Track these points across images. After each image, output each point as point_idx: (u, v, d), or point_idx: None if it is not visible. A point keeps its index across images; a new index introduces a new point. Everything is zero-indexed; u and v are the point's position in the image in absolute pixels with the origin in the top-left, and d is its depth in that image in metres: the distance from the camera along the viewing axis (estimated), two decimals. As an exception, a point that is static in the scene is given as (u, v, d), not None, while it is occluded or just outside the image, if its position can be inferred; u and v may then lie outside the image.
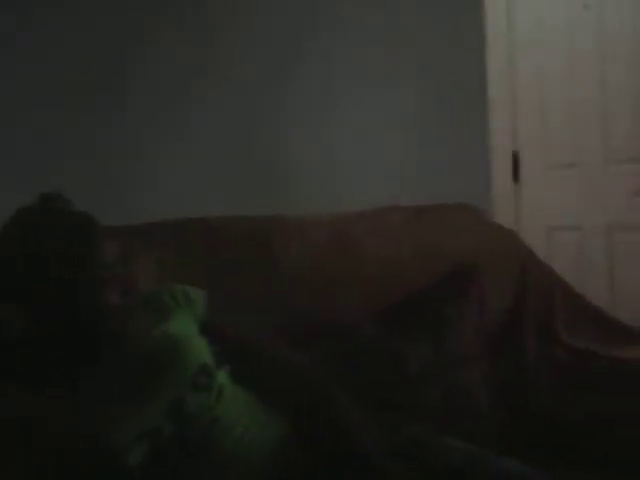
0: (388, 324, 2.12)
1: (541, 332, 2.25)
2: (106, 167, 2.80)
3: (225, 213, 2.28)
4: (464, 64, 3.22)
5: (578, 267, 3.18)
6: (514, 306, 2.29)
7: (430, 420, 1.94)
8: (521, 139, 3.42)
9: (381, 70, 3.12)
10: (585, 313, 2.34)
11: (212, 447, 1.65)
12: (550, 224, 3.36)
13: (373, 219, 2.36)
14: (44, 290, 1.64)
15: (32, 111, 2.74)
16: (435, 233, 2.35)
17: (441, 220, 2.42)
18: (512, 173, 3.41)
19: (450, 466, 1.69)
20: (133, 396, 1.65)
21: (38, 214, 1.71)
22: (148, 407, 1.64)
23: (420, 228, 2.36)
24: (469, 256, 2.26)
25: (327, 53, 3.07)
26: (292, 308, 2.10)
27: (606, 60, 3.23)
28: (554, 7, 3.36)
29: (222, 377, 1.74)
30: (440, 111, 3.17)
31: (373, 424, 1.78)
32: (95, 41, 2.82)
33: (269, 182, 2.96)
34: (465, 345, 2.13)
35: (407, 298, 2.18)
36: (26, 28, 2.74)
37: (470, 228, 2.41)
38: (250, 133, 2.98)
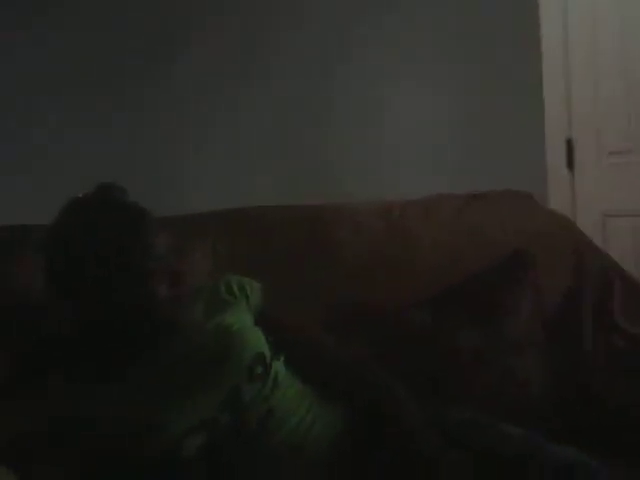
0: (442, 310, 2.12)
1: (598, 319, 2.22)
2: (155, 158, 2.83)
3: (276, 203, 2.29)
4: (519, 51, 3.18)
5: (635, 253, 3.13)
6: (570, 293, 2.26)
7: (484, 407, 1.94)
8: (575, 125, 3.37)
9: (431, 53, 3.10)
10: (643, 300, 2.31)
11: (268, 437, 1.66)
12: (606, 211, 3.31)
13: (426, 206, 2.36)
14: (94, 283, 1.67)
15: (80, 96, 2.77)
16: (489, 220, 2.34)
17: (495, 207, 2.40)
18: (566, 160, 3.37)
19: (506, 454, 1.68)
20: (189, 387, 1.66)
21: (91, 205, 1.72)
22: (204, 397, 1.66)
23: (473, 215, 2.35)
24: (524, 243, 2.25)
25: (383, 38, 3.05)
26: (347, 295, 2.10)
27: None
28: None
29: (278, 367, 1.75)
30: (494, 97, 3.14)
31: (428, 412, 1.79)
32: (138, 27, 2.85)
33: (319, 172, 2.97)
34: (520, 332, 2.12)
35: (461, 284, 2.17)
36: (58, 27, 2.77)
37: (524, 215, 2.39)
38: (301, 123, 2.99)
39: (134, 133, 2.84)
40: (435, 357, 2.05)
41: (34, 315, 1.82)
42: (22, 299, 1.85)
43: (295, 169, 2.93)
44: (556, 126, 3.33)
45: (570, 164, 3.37)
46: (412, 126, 3.07)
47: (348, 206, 2.34)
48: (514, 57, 3.14)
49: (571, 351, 2.16)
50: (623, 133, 3.28)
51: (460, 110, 3.11)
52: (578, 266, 2.31)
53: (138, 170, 2.76)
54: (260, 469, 1.65)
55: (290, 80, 2.97)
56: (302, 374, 1.78)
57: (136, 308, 1.67)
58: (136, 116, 2.84)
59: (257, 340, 1.76)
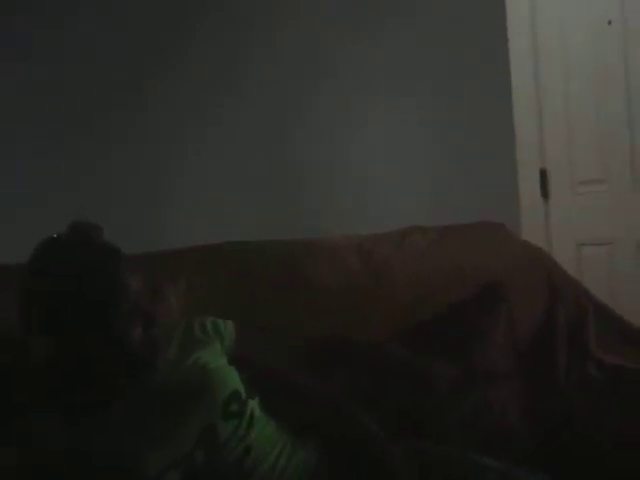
0: (416, 343, 2.13)
1: (572, 348, 2.23)
2: (127, 190, 2.84)
3: (254, 236, 2.30)
4: (490, 83, 3.22)
5: (609, 281, 3.15)
6: (544, 323, 2.27)
7: (461, 439, 1.94)
8: (549, 156, 3.41)
9: (410, 88, 3.13)
10: (616, 328, 2.33)
11: (244, 477, 1.65)
12: (580, 240, 3.34)
13: (400, 239, 2.37)
14: (71, 322, 1.67)
15: (49, 126, 2.78)
16: (462, 252, 2.35)
17: (469, 239, 2.42)
18: (540, 190, 3.40)
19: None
20: (164, 424, 1.66)
21: (68, 244, 1.72)
22: (179, 434, 1.65)
23: (446, 248, 2.36)
24: (497, 274, 2.26)
25: (356, 69, 3.09)
26: (324, 329, 2.11)
27: (631, 74, 3.22)
28: (578, 23, 3.36)
29: (253, 405, 1.75)
30: (468, 129, 3.18)
31: (406, 446, 1.79)
32: (119, 46, 2.87)
33: (298, 201, 2.98)
34: (495, 363, 2.13)
35: (435, 317, 2.19)
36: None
37: (497, 246, 2.41)
38: (278, 152, 3.01)
39: (110, 165, 2.85)
40: (411, 390, 2.05)
41: (10, 349, 1.82)
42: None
43: (275, 203, 2.95)
44: (529, 157, 3.37)
45: (544, 194, 3.40)
46: (386, 159, 3.10)
47: (324, 241, 2.35)
48: (485, 89, 3.18)
49: (546, 381, 2.17)
50: (596, 163, 3.32)
51: (433, 142, 3.15)
52: (552, 296, 2.32)
53: (114, 203, 2.76)
54: None
55: (265, 110, 2.99)
56: (277, 413, 1.78)
57: (112, 348, 1.67)
58: (110, 147, 2.85)
59: (232, 378, 1.76)
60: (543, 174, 3.40)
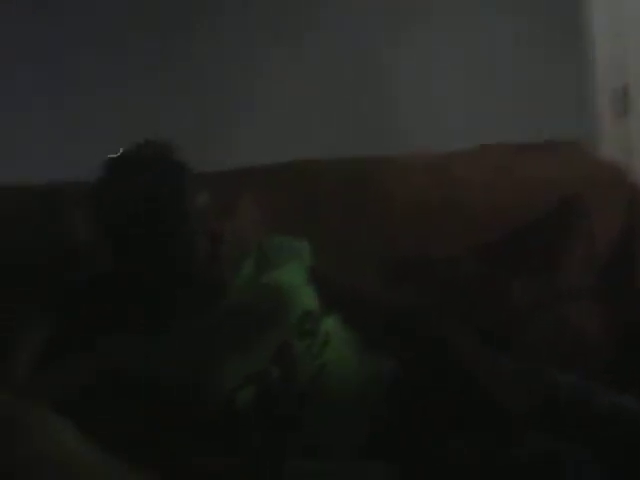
0: (494, 260, 2.11)
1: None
2: (202, 109, 2.84)
3: (322, 154, 2.28)
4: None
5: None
6: (623, 240, 2.23)
7: (540, 355, 1.93)
8: (630, 72, 3.31)
9: (487, 4, 3.07)
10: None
11: (319, 392, 1.67)
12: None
13: (476, 157, 2.33)
14: (137, 240, 1.70)
15: (122, 46, 2.78)
16: (538, 170, 2.30)
17: (544, 157, 2.36)
18: (621, 107, 3.31)
19: (559, 400, 1.68)
20: (239, 342, 1.69)
21: (136, 161, 1.75)
22: (255, 351, 1.68)
23: (522, 166, 2.31)
24: (575, 191, 2.22)
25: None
26: (396, 249, 2.11)
27: None
28: None
29: (328, 324, 1.77)
30: (546, 45, 3.09)
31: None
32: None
33: (369, 121, 2.96)
34: (573, 279, 2.10)
35: (512, 233, 2.16)
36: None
37: (575, 164, 2.35)
38: (350, 72, 2.98)
39: (184, 85, 2.86)
40: (489, 306, 2.05)
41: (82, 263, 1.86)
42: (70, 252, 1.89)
43: (346, 121, 2.94)
44: (610, 73, 3.27)
45: (625, 111, 3.32)
46: (459, 75, 3.04)
47: (395, 158, 2.32)
48: (566, 3, 3.09)
49: (624, 298, 2.14)
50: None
51: (508, 58, 3.06)
52: (631, 214, 2.27)
53: (188, 123, 2.78)
54: (312, 423, 1.66)
55: (344, 33, 2.96)
56: (356, 326, 1.80)
57: (177, 264, 1.71)
58: (185, 67, 2.85)
59: (307, 297, 1.79)
60: (625, 89, 3.31)
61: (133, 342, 1.70)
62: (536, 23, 3.08)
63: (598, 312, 2.10)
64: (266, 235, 1.96)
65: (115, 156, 1.76)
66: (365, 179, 2.22)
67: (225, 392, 1.64)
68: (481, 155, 2.35)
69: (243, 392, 1.65)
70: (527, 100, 3.04)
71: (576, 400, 1.66)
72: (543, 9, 3.07)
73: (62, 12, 2.76)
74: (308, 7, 2.94)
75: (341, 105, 2.94)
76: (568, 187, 2.24)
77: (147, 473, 1.40)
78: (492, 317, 2.02)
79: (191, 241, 1.71)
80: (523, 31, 3.07)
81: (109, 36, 2.79)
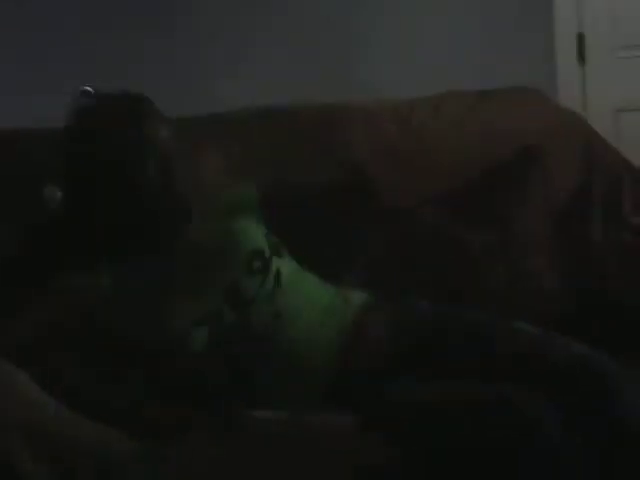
0: (451, 208, 2.12)
1: (608, 215, 2.21)
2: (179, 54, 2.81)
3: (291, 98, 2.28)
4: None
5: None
6: (580, 190, 2.25)
7: (495, 304, 1.95)
8: (587, 20, 3.31)
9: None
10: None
11: (276, 338, 1.69)
12: (618, 106, 3.27)
13: (436, 104, 2.33)
14: (93, 169, 1.72)
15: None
16: (499, 117, 2.30)
17: (504, 104, 2.37)
18: (577, 55, 3.32)
19: (515, 350, 1.70)
20: (189, 282, 1.72)
21: (100, 116, 1.77)
22: (205, 291, 1.70)
23: (483, 112, 2.32)
24: (534, 139, 2.22)
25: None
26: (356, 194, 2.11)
27: None
28: None
29: (280, 264, 1.78)
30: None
31: (437, 310, 1.81)
32: None
33: (334, 65, 2.94)
34: (530, 229, 2.12)
35: (469, 182, 2.16)
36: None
37: (534, 111, 2.35)
38: (317, 17, 2.96)
39: (165, 29, 2.83)
40: (447, 253, 2.06)
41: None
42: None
43: (314, 64, 2.92)
44: (567, 20, 3.27)
45: (581, 59, 3.32)
46: (426, 22, 3.03)
47: (359, 104, 2.32)
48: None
49: (581, 246, 2.16)
50: (635, 27, 3.23)
51: (467, 6, 3.06)
52: (588, 161, 2.28)
53: (162, 72, 2.76)
54: (270, 368, 1.68)
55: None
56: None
57: (131, 192, 1.73)
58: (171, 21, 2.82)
59: (256, 236, 1.81)
60: (580, 38, 3.31)
61: (92, 283, 1.71)
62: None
63: (554, 262, 2.12)
64: (226, 180, 1.95)
65: (85, 107, 1.77)
66: (332, 125, 2.21)
67: (177, 333, 1.66)
68: (443, 102, 2.35)
69: (196, 332, 1.66)
70: (489, 47, 3.04)
71: (534, 350, 1.68)
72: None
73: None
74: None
75: (308, 52, 2.92)
76: (527, 135, 2.25)
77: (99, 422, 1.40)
78: (447, 268, 2.03)
79: (144, 165, 1.73)
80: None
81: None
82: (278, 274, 1.75)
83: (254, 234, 1.82)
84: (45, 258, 1.76)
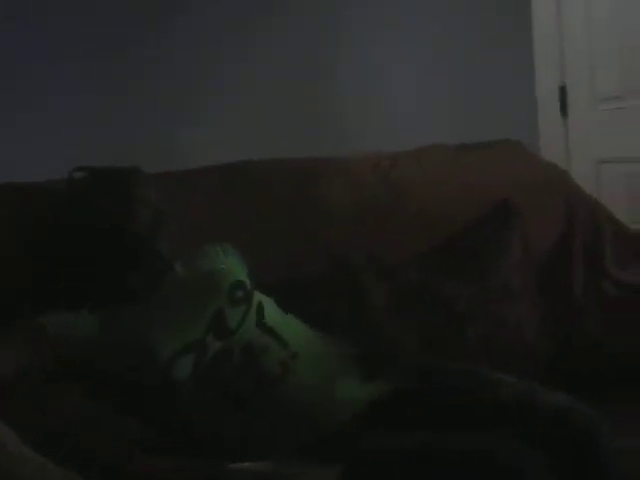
0: (432, 264, 2.14)
1: (589, 267, 2.23)
2: (153, 110, 2.83)
3: (269, 154, 2.28)
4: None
5: (628, 200, 3.13)
6: (561, 242, 2.27)
7: (476, 356, 1.96)
8: (568, 72, 3.36)
9: (429, 5, 3.09)
10: (635, 248, 2.32)
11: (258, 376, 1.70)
12: (599, 157, 3.31)
13: (417, 157, 2.35)
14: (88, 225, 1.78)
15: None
16: (480, 170, 2.33)
17: (486, 157, 2.40)
18: (559, 107, 3.36)
19: (498, 400, 1.71)
20: (175, 312, 1.75)
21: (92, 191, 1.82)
22: (188, 321, 1.73)
23: (463, 166, 2.34)
24: (514, 192, 2.25)
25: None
26: (337, 249, 2.12)
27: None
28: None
29: (261, 297, 1.82)
30: (486, 47, 3.12)
31: (421, 365, 1.82)
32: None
33: (315, 119, 2.97)
34: (510, 279, 2.13)
35: (450, 237, 2.19)
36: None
37: (515, 164, 2.39)
38: (296, 70, 2.98)
39: (132, 86, 2.84)
40: (430, 308, 2.07)
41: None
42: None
43: (294, 121, 2.94)
44: (549, 73, 3.32)
45: (563, 111, 3.36)
46: (402, 77, 3.06)
47: (339, 159, 2.33)
48: (503, 6, 3.12)
49: (562, 298, 2.18)
50: (616, 79, 3.27)
51: (449, 60, 3.10)
52: (569, 214, 2.32)
53: (137, 123, 2.77)
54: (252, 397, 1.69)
55: (294, 35, 2.97)
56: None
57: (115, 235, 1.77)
58: (133, 68, 2.84)
59: (238, 270, 1.86)
60: (562, 91, 3.35)
61: (79, 323, 1.72)
62: (476, 23, 3.11)
63: (535, 313, 2.13)
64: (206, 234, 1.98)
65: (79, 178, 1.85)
66: (310, 181, 2.23)
67: (162, 362, 1.67)
68: (425, 155, 2.37)
69: (181, 361, 1.67)
70: (471, 100, 3.08)
71: (519, 400, 1.69)
72: (484, 9, 3.10)
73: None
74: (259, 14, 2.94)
75: (289, 107, 2.95)
76: (507, 188, 2.28)
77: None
78: (432, 321, 2.04)
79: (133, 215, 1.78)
80: (462, 32, 3.11)
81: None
82: (260, 307, 1.79)
83: (236, 269, 1.87)
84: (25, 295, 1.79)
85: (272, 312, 1.82)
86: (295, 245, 2.12)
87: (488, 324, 2.06)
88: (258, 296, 1.82)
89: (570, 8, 3.31)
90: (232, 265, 1.89)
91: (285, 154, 2.29)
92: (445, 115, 3.04)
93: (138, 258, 1.79)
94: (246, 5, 2.94)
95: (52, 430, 1.50)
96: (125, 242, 1.77)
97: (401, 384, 1.77)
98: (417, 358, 1.86)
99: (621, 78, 3.25)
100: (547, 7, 3.28)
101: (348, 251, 2.13)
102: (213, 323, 1.73)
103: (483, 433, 1.59)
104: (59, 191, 1.87)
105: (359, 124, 2.99)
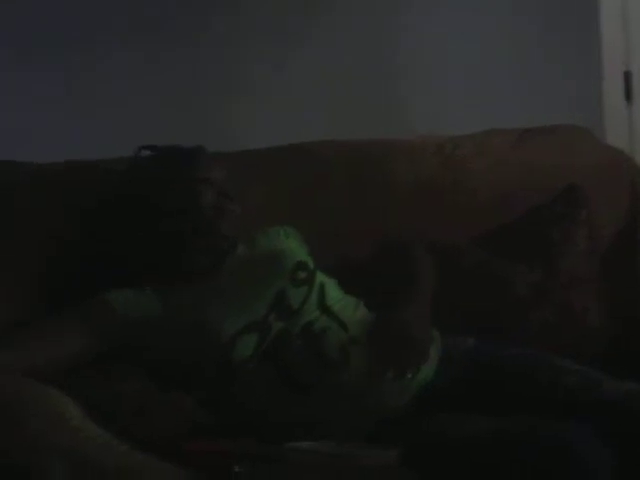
0: (495, 247, 2.12)
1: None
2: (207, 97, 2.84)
3: (331, 136, 2.28)
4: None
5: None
6: (626, 228, 2.25)
7: (542, 343, 1.94)
8: (634, 57, 3.30)
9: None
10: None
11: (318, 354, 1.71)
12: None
13: (480, 142, 2.33)
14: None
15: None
16: (543, 156, 2.30)
17: (549, 141, 2.36)
18: (624, 93, 3.30)
19: (563, 387, 1.70)
20: (239, 291, 1.77)
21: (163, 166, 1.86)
22: (252, 301, 1.75)
23: (527, 151, 2.31)
24: (578, 178, 2.22)
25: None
26: (402, 231, 2.11)
27: None
28: None
29: (323, 278, 1.84)
30: (551, 31, 3.08)
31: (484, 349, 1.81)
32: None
33: (376, 109, 2.96)
34: (575, 268, 2.11)
35: (515, 221, 2.17)
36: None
37: (579, 150, 2.36)
38: (358, 59, 2.97)
39: (184, 72, 2.85)
40: (492, 292, 2.05)
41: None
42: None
43: (351, 104, 2.93)
44: (614, 58, 3.26)
45: (628, 97, 3.31)
46: (468, 62, 3.03)
47: (402, 141, 2.33)
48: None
49: (627, 285, 2.16)
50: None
51: (514, 43, 3.06)
52: (634, 201, 2.29)
53: (190, 108, 2.78)
54: (310, 376, 1.70)
55: (348, 24, 2.96)
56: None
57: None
58: (186, 53, 2.84)
59: (300, 251, 1.89)
60: (627, 76, 3.30)
61: (143, 302, 1.75)
62: (542, 5, 3.07)
63: (599, 300, 2.10)
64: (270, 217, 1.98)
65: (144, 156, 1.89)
66: (372, 162, 2.22)
67: (224, 341, 1.68)
68: (488, 139, 2.35)
69: (242, 341, 1.69)
70: (535, 85, 3.03)
71: (585, 386, 1.68)
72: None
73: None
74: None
75: (346, 91, 2.94)
76: (572, 173, 2.25)
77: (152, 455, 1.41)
78: (494, 305, 2.02)
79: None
80: (529, 13, 3.06)
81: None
82: (322, 288, 1.80)
83: (298, 250, 1.89)
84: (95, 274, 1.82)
85: (334, 294, 1.82)
86: (356, 228, 2.11)
87: (552, 310, 2.04)
88: (320, 277, 1.83)
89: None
90: (294, 246, 1.90)
91: (340, 136, 2.29)
92: (509, 100, 3.00)
93: (201, 238, 1.80)
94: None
95: (115, 408, 1.53)
96: (188, 222, 1.78)
97: (463, 366, 1.76)
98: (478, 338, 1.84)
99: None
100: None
101: (408, 233, 2.12)
102: (275, 303, 1.74)
103: (552, 420, 1.54)
104: (124, 169, 1.90)
105: (424, 108, 2.97)
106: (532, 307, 2.03)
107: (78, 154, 2.04)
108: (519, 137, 2.36)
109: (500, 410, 1.64)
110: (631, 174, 2.37)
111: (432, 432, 1.63)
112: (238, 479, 1.41)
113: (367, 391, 1.68)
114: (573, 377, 1.71)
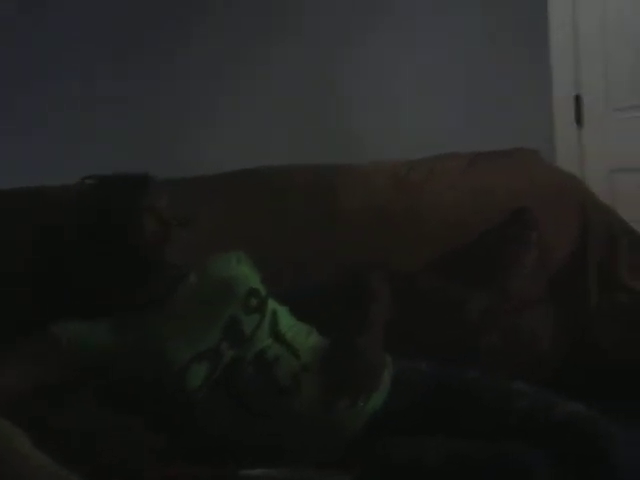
0: (448, 271, 2.13)
1: (603, 277, 2.23)
2: (166, 117, 2.84)
3: (288, 162, 2.30)
4: (525, 5, 3.16)
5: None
6: (576, 250, 2.27)
7: (492, 364, 1.96)
8: (584, 82, 3.36)
9: (444, 16, 3.09)
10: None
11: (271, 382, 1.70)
12: (613, 167, 3.30)
13: (432, 166, 2.35)
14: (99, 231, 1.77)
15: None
16: (494, 179, 2.33)
17: (501, 165, 2.39)
18: (575, 117, 3.35)
19: (516, 410, 1.71)
20: (190, 319, 1.75)
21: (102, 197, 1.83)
22: (204, 329, 1.73)
23: (478, 174, 2.34)
24: (529, 201, 2.25)
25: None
26: (354, 256, 2.12)
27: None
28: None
29: (275, 305, 1.82)
30: (502, 56, 3.13)
31: (436, 372, 1.82)
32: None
33: (329, 132, 2.97)
34: (525, 289, 2.13)
35: (466, 245, 2.19)
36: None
37: (530, 173, 2.38)
38: (312, 83, 2.99)
39: (151, 92, 2.86)
40: (444, 317, 2.06)
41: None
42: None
43: (309, 131, 2.95)
44: (564, 82, 3.32)
45: (579, 120, 3.36)
46: (418, 85, 3.07)
47: (356, 165, 2.34)
48: (520, 11, 3.12)
49: (576, 307, 2.18)
50: (631, 89, 3.27)
51: (465, 68, 3.10)
52: (584, 223, 2.31)
53: (149, 130, 2.78)
54: (264, 404, 1.69)
55: (306, 47, 2.99)
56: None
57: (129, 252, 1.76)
58: (149, 83, 2.85)
59: (252, 279, 1.86)
60: (577, 100, 3.35)
61: (93, 332, 1.72)
62: (494, 31, 3.11)
63: (549, 322, 2.13)
64: (221, 242, 1.98)
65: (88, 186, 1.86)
66: (325, 188, 2.23)
67: (176, 369, 1.67)
68: (440, 164, 2.37)
69: (194, 369, 1.68)
70: (486, 108, 3.07)
71: (536, 409, 1.70)
72: (501, 16, 3.11)
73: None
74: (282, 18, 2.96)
75: (302, 114, 2.96)
76: (523, 196, 2.28)
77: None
78: (446, 330, 2.04)
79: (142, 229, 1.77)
80: (480, 38, 3.11)
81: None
82: (274, 315, 1.79)
83: (250, 276, 1.88)
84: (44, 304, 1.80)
85: (286, 321, 1.82)
86: (309, 253, 2.11)
87: (503, 332, 2.05)
88: (272, 304, 1.82)
89: (586, 18, 3.31)
90: (246, 272, 1.89)
91: (296, 160, 2.31)
92: (461, 124, 3.04)
93: (145, 268, 1.78)
94: (262, 9, 2.95)
95: (69, 439, 1.51)
96: (131, 252, 1.77)
97: (412, 397, 1.77)
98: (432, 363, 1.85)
99: (636, 88, 3.25)
100: (563, 17, 3.29)
101: (361, 258, 2.12)
102: (227, 331, 1.73)
103: (499, 442, 1.58)
104: (68, 198, 1.87)
105: (375, 134, 2.99)
106: (482, 332, 2.05)
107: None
108: (471, 161, 2.39)
109: (454, 433, 1.66)
110: (581, 197, 2.40)
111: (386, 456, 1.64)
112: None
113: (319, 418, 1.68)
114: (524, 401, 1.73)
